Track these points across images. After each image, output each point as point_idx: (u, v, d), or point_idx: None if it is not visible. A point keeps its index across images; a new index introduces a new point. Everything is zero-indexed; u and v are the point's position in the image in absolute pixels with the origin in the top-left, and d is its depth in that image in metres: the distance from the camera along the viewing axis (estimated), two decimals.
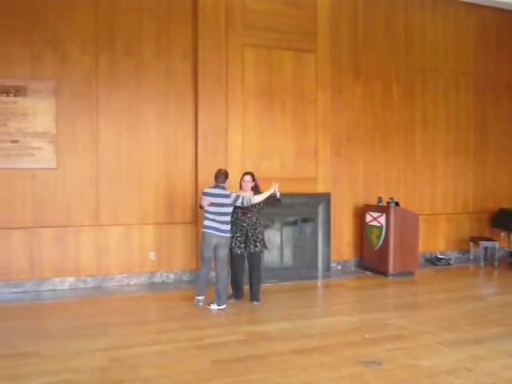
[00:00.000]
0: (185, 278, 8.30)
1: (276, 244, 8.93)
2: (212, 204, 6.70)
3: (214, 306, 6.65)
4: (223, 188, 6.83)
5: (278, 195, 7.00)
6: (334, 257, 9.24)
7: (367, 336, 5.64)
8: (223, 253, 6.74)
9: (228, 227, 6.75)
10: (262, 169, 8.47)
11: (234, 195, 6.73)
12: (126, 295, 7.41)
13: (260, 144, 8.60)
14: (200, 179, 8.19)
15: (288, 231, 9.04)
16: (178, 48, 8.31)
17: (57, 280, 7.69)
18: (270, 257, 8.84)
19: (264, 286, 7.97)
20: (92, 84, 7.85)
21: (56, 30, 7.67)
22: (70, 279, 7.75)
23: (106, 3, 7.91)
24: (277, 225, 8.97)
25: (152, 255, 8.09)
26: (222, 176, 6.90)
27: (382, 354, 5.08)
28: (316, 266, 9.03)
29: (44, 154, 7.59)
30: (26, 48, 7.53)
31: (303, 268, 8.94)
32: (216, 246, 6.69)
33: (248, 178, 7.14)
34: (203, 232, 6.73)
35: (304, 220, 9.05)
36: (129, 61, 8.03)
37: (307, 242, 9.05)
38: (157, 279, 8.17)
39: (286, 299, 7.45)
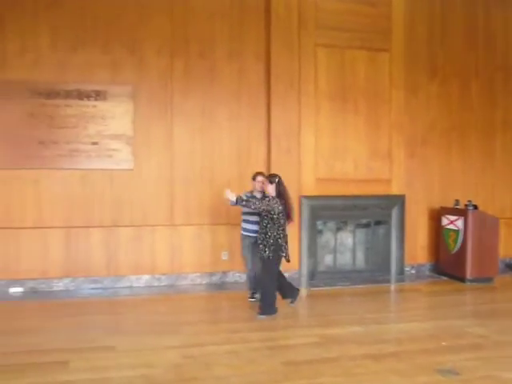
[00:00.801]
0: None
1: (348, 246, 8.82)
2: None
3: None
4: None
5: (230, 197, 6.54)
6: (407, 260, 9.02)
7: (444, 343, 5.45)
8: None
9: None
10: (335, 170, 8.44)
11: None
12: (199, 294, 7.54)
13: (333, 145, 8.53)
14: None
15: (361, 233, 8.90)
16: (250, 50, 8.37)
17: (133, 277, 7.94)
18: (342, 259, 8.74)
19: (335, 288, 7.93)
20: (167, 87, 8.05)
21: (133, 36, 7.93)
22: (146, 277, 7.98)
23: (180, 8, 8.09)
24: (349, 227, 8.85)
25: (224, 255, 8.19)
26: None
27: (460, 364, 4.89)
28: (389, 270, 8.83)
29: (122, 156, 7.87)
30: (106, 54, 7.83)
31: (376, 271, 8.78)
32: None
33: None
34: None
35: (377, 222, 8.88)
36: (203, 63, 8.18)
37: (380, 245, 8.88)
38: (229, 279, 8.26)
39: (358, 303, 7.34)
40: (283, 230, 6.50)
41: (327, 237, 8.75)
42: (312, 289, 8.02)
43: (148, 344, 5.38)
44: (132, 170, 7.92)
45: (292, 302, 6.88)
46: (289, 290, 6.89)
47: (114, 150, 7.84)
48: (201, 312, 6.65)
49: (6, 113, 7.53)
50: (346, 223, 8.84)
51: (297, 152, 8.34)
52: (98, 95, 7.78)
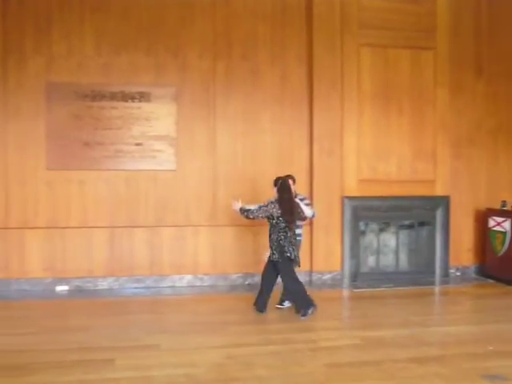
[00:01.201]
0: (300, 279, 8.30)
1: (391, 248, 8.70)
2: None
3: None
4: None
5: (237, 209, 6.60)
6: (452, 262, 8.83)
7: (490, 348, 5.31)
8: None
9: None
10: (377, 171, 8.38)
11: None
12: (241, 295, 7.55)
13: (376, 146, 8.45)
14: (315, 182, 8.20)
15: (404, 235, 8.77)
16: (292, 51, 8.36)
17: (176, 277, 8.03)
18: (385, 261, 8.63)
19: (378, 290, 7.84)
20: (210, 89, 8.11)
21: (177, 39, 8.03)
22: (188, 277, 8.06)
23: (223, 10, 8.14)
24: (392, 228, 8.73)
25: (266, 256, 8.17)
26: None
27: (508, 370, 4.74)
28: (433, 272, 8.68)
29: (165, 157, 7.97)
30: (150, 57, 7.96)
31: (419, 273, 8.62)
32: None
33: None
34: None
35: (421, 223, 8.73)
36: (245, 66, 8.21)
37: (424, 247, 8.73)
38: None
39: (401, 305, 7.22)
40: (284, 232, 6.43)
41: (370, 238, 8.66)
42: (354, 290, 7.94)
43: (190, 343, 5.42)
44: (175, 170, 8.01)
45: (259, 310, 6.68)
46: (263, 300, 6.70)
47: (157, 150, 7.95)
48: (242, 312, 6.65)
49: (53, 115, 7.72)
50: (388, 224, 8.73)
51: (339, 153, 8.29)
52: (142, 97, 7.91)
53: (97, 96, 7.85)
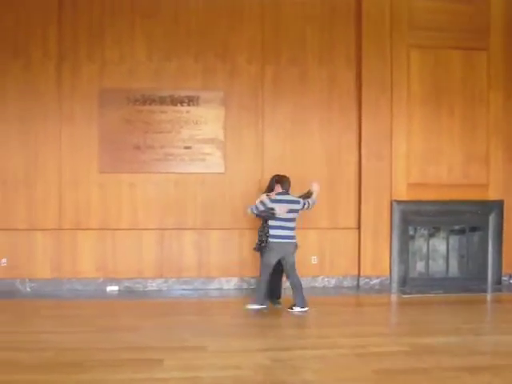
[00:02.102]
0: (346, 283, 8.26)
1: (441, 253, 8.52)
2: (290, 211, 6.70)
3: (297, 309, 6.70)
4: (292, 194, 6.89)
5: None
6: (506, 270, 8.57)
7: None
8: (294, 259, 6.85)
9: (294, 233, 6.85)
10: (428, 175, 8.25)
11: (302, 201, 6.80)
12: (288, 298, 7.54)
13: (426, 149, 8.31)
14: (363, 186, 8.13)
15: (454, 240, 8.58)
16: (341, 54, 8.32)
17: (223, 279, 8.10)
18: (434, 266, 8.47)
19: (428, 296, 7.71)
20: (258, 93, 8.16)
21: (225, 44, 8.12)
22: (235, 279, 8.11)
23: (271, 15, 8.18)
24: (443, 233, 8.54)
25: (314, 259, 8.17)
26: (287, 183, 6.89)
27: None
28: (485, 279, 8.45)
29: (213, 160, 8.07)
30: (199, 62, 8.08)
31: (470, 280, 8.42)
32: (287, 253, 6.77)
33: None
34: (277, 242, 6.71)
35: (472, 229, 8.52)
36: (293, 70, 8.22)
37: (476, 252, 8.51)
38: (318, 283, 8.23)
39: (451, 312, 7.06)
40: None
41: (419, 243, 8.51)
42: (403, 296, 7.82)
43: (237, 345, 5.45)
44: (223, 173, 8.09)
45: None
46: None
47: (206, 154, 8.05)
48: (290, 315, 6.64)
49: (105, 119, 7.93)
50: (438, 229, 8.55)
51: (388, 157, 8.20)
52: (191, 101, 8.03)
53: (147, 100, 8.01)
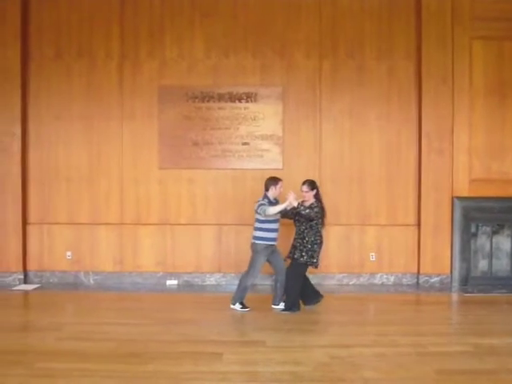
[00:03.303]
0: (405, 281, 8.12)
1: (505, 251, 8.22)
2: None
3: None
4: (263, 196, 6.67)
5: (295, 204, 6.36)
6: None
7: None
8: (251, 256, 6.69)
9: (255, 233, 6.63)
10: (491, 170, 8.01)
11: (258, 203, 6.54)
12: (346, 295, 7.50)
13: (489, 143, 8.04)
14: (423, 182, 7.97)
15: None
16: (400, 48, 8.16)
17: None
18: (498, 265, 8.18)
19: (490, 295, 7.49)
20: (315, 88, 8.12)
21: (283, 40, 8.12)
22: None
23: (329, 9, 8.13)
24: (507, 231, 8.25)
25: (372, 256, 8.07)
26: (265, 182, 6.74)
27: None
28: None
29: (271, 156, 8.09)
30: (257, 58, 8.12)
31: None
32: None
33: (304, 187, 6.65)
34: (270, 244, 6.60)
35: None
36: (351, 64, 8.14)
37: None
38: (376, 281, 8.13)
39: None
40: (320, 236, 6.58)
41: (482, 240, 8.24)
42: (465, 295, 7.63)
43: (295, 341, 5.45)
44: (281, 169, 8.08)
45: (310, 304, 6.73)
46: (312, 296, 6.77)
47: (264, 150, 8.08)
48: (348, 313, 6.59)
49: (165, 116, 8.09)
50: (502, 227, 8.26)
51: (449, 152, 7.99)
52: (249, 97, 8.08)
53: (205, 97, 8.12)
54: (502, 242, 8.27)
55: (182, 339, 5.47)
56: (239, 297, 6.65)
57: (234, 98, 8.09)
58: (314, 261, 6.53)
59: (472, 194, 8.02)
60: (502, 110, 8.06)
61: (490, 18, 7.99)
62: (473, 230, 8.16)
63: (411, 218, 8.14)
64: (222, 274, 8.14)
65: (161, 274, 8.15)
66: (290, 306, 6.53)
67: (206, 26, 8.10)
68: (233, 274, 8.09)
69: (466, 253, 8.07)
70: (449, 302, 7.53)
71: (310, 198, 6.61)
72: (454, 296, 7.68)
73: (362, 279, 8.12)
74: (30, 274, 8.18)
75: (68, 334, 5.62)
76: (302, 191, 6.65)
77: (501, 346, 5.38)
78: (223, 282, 8.12)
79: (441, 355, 5.07)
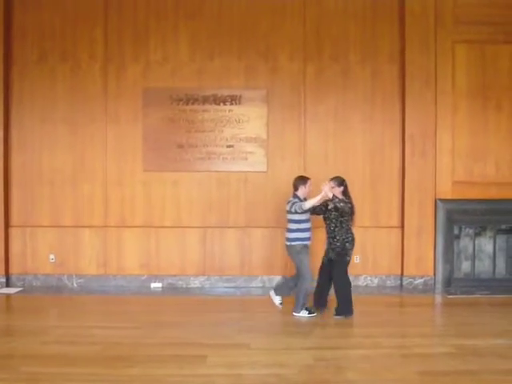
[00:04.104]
0: (389, 282, 8.17)
1: (488, 253, 8.31)
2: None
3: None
4: (293, 195, 6.62)
5: (330, 196, 6.33)
6: None
7: None
8: (293, 260, 6.64)
9: (291, 235, 6.52)
10: (474, 172, 8.07)
11: (290, 203, 6.48)
12: (330, 297, 7.50)
13: (472, 146, 8.12)
14: (407, 183, 8.03)
15: (502, 240, 8.35)
16: (384, 51, 8.22)
17: (265, 278, 8.13)
18: (480, 267, 8.27)
19: (473, 297, 7.55)
20: (300, 91, 8.15)
21: (267, 43, 8.14)
22: (277, 277, 8.12)
23: (313, 12, 8.15)
24: (489, 232, 8.34)
25: (356, 258, 8.09)
26: (294, 182, 6.69)
27: None
28: None
29: (256, 158, 8.10)
30: (241, 60, 8.13)
31: None
32: (288, 254, 6.66)
33: (331, 183, 6.57)
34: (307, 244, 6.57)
35: None
36: (335, 67, 8.18)
37: None
38: (360, 283, 8.16)
39: (498, 313, 6.87)
40: (351, 233, 6.56)
41: (464, 242, 8.32)
42: (448, 296, 7.68)
43: (280, 344, 5.47)
44: (266, 172, 8.11)
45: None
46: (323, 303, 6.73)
47: (248, 152, 8.09)
48: (331, 315, 6.61)
49: (150, 119, 8.07)
50: (485, 228, 8.35)
51: (433, 154, 8.06)
52: (234, 100, 8.08)
53: (190, 100, 8.11)
54: (485, 243, 8.36)
55: (167, 342, 5.46)
56: (302, 304, 6.51)
57: (219, 100, 8.09)
58: (348, 258, 6.52)
59: (455, 196, 8.09)
60: (485, 113, 8.14)
61: (473, 22, 8.07)
62: (456, 231, 8.24)
63: (395, 220, 8.20)
64: (206, 277, 8.13)
65: (145, 276, 8.11)
66: (344, 311, 6.46)
67: (190, 29, 8.10)
68: (217, 277, 8.10)
69: (449, 255, 8.14)
70: (432, 304, 7.58)
71: (337, 194, 6.51)
72: (438, 298, 7.74)
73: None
74: (13, 278, 8.10)
75: (52, 338, 5.57)
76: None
77: (484, 347, 5.43)
78: (207, 285, 8.11)
79: (425, 356, 5.11)
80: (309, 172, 8.05)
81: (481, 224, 8.25)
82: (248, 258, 8.11)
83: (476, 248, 8.27)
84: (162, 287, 8.07)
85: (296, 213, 6.43)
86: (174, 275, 8.12)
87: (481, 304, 7.26)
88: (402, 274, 8.13)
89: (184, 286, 8.12)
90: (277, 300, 6.74)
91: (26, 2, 8.07)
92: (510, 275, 8.29)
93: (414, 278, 8.12)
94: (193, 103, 8.11)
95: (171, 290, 8.01)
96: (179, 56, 8.12)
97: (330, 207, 6.52)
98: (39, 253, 8.11)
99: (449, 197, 8.09)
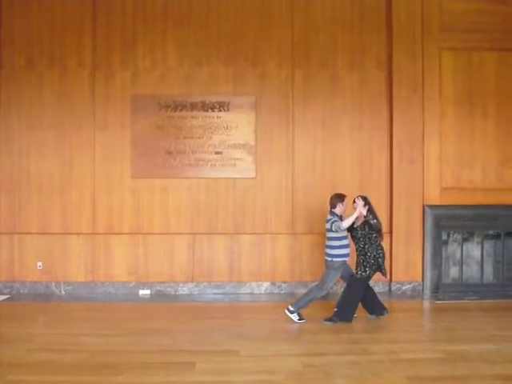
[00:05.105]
0: (377, 288, 8.05)
1: (475, 258, 8.37)
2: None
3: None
4: (330, 213, 6.59)
5: (365, 213, 6.43)
6: None
7: None
8: (325, 273, 6.58)
9: (333, 251, 6.46)
10: (461, 178, 8.15)
11: (330, 221, 6.47)
12: (320, 303, 7.50)
13: (459, 152, 8.19)
14: (395, 190, 8.07)
15: (489, 245, 8.41)
16: (371, 58, 8.27)
17: (254, 284, 8.11)
18: (468, 272, 8.32)
19: (461, 302, 7.59)
20: (288, 97, 8.18)
21: (255, 49, 8.18)
22: (266, 284, 8.12)
23: (301, 19, 8.20)
24: (477, 238, 8.39)
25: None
26: (331, 200, 6.68)
27: None
28: None
29: (244, 165, 8.11)
30: (229, 67, 8.15)
31: (507, 286, 8.23)
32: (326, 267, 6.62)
33: (360, 202, 6.54)
34: (346, 260, 6.56)
35: (508, 234, 8.33)
36: (323, 73, 8.22)
37: (511, 258, 8.33)
38: None
39: (486, 318, 6.89)
40: (382, 249, 6.58)
41: (452, 248, 8.38)
42: (436, 302, 7.72)
43: (269, 350, 5.45)
44: (254, 178, 8.12)
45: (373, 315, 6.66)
46: (377, 307, 6.73)
47: (237, 159, 8.09)
48: (319, 321, 6.59)
49: (138, 125, 8.06)
50: (472, 234, 8.40)
51: (420, 160, 8.11)
52: (222, 106, 8.09)
53: (178, 106, 8.11)
54: (473, 249, 8.41)
55: (155, 349, 5.42)
56: (300, 306, 6.51)
57: (207, 106, 8.09)
58: (383, 271, 6.58)
59: (443, 202, 8.14)
60: (471, 120, 8.21)
61: (459, 30, 8.15)
62: (444, 237, 8.28)
63: (383, 226, 8.20)
64: (194, 284, 8.10)
65: (133, 283, 8.07)
66: (345, 316, 6.44)
67: (178, 36, 8.11)
68: (206, 283, 8.07)
69: (438, 260, 8.18)
70: (421, 309, 7.60)
71: (362, 215, 6.52)
72: (426, 303, 7.76)
73: (335, 287, 8.13)
74: (0, 285, 8.03)
75: (39, 346, 5.52)
76: (354, 208, 6.52)
77: (472, 352, 5.44)
78: (196, 292, 8.08)
79: (413, 362, 5.12)
80: (297, 178, 8.11)
81: (468, 229, 8.30)
82: (237, 264, 8.10)
83: (464, 253, 8.32)
84: (151, 294, 8.03)
85: (335, 231, 6.43)
86: (163, 282, 8.08)
87: (469, 309, 7.28)
88: (390, 280, 8.14)
89: (172, 292, 8.08)
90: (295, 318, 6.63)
91: (14, 7, 8.04)
92: (497, 280, 8.35)
93: (402, 283, 8.14)
94: (181, 110, 8.11)
95: (160, 296, 7.97)
96: (167, 63, 8.13)
97: (355, 225, 6.53)
98: (27, 260, 8.04)
99: (437, 203, 8.13)
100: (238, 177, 8.11)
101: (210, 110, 8.12)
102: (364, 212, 6.42)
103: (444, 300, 7.77)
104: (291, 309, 6.48)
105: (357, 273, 6.51)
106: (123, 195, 8.12)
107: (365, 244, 6.50)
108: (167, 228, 8.14)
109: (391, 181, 8.15)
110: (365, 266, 6.45)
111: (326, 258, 6.55)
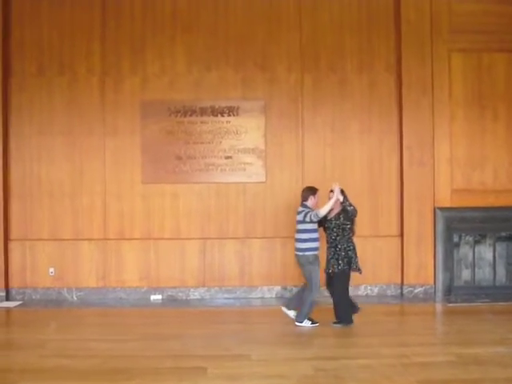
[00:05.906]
0: (389, 292, 8.16)
1: (488, 261, 8.30)
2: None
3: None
4: (302, 205, 6.55)
5: (341, 198, 6.35)
6: None
7: None
8: (304, 270, 6.52)
9: (303, 245, 6.42)
10: (472, 180, 8.11)
11: (303, 213, 6.43)
12: (329, 306, 7.49)
13: (470, 154, 8.16)
14: (405, 193, 8.03)
15: (502, 247, 8.35)
16: (380, 60, 8.27)
17: (265, 288, 8.11)
18: (480, 274, 8.26)
19: (474, 305, 7.54)
20: (297, 101, 8.18)
21: (264, 54, 8.19)
22: (277, 288, 8.11)
23: (309, 23, 8.21)
24: (489, 240, 8.33)
25: None
26: (302, 192, 6.66)
27: None
28: None
29: (254, 169, 8.12)
30: (238, 72, 8.17)
31: None
32: (300, 265, 6.56)
33: (331, 194, 6.52)
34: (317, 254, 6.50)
35: None
36: (332, 77, 8.22)
37: None
38: (360, 292, 8.14)
39: (499, 321, 6.85)
40: (352, 242, 6.51)
41: (464, 250, 8.32)
42: (448, 305, 7.67)
43: (280, 354, 5.45)
44: (264, 182, 8.13)
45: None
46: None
47: (247, 163, 8.11)
48: (332, 323, 6.58)
49: (148, 131, 8.09)
50: (484, 236, 8.34)
51: (430, 163, 8.08)
52: (231, 111, 8.11)
53: (188, 112, 8.14)
54: (485, 251, 8.35)
55: (167, 354, 5.43)
56: (306, 313, 6.48)
57: (216, 111, 8.12)
58: (354, 266, 6.48)
59: (454, 205, 8.10)
60: (482, 121, 8.18)
61: (468, 31, 8.12)
62: (455, 240, 8.24)
63: (394, 229, 8.20)
64: (206, 288, 8.11)
65: (145, 288, 8.09)
66: (343, 319, 6.45)
67: (187, 41, 8.14)
68: (217, 288, 8.08)
69: (449, 263, 8.14)
70: (433, 312, 7.58)
71: (337, 206, 6.50)
72: (438, 306, 7.73)
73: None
74: (12, 291, 8.08)
75: (51, 351, 5.55)
76: (330, 198, 6.48)
77: (485, 355, 5.40)
78: (207, 296, 8.09)
79: (425, 365, 5.09)
80: (307, 182, 8.07)
81: (480, 232, 8.25)
82: (247, 268, 8.10)
83: (476, 256, 8.26)
84: (162, 299, 8.05)
85: (311, 222, 6.40)
86: (174, 287, 8.10)
87: (481, 312, 7.23)
88: (402, 283, 8.12)
89: (184, 297, 8.10)
90: (291, 314, 6.63)
91: (24, 15, 8.11)
92: (510, 283, 8.28)
93: (414, 286, 8.10)
94: (191, 115, 8.14)
95: (171, 301, 7.99)
96: (176, 68, 8.16)
97: (329, 217, 6.50)
98: (38, 266, 8.09)
99: (448, 205, 8.10)
100: (248, 181, 8.12)
101: (219, 115, 8.14)
102: (341, 198, 6.35)
103: (456, 303, 7.72)
104: (298, 322, 6.48)
105: (329, 269, 6.46)
106: (134, 201, 8.15)
107: (337, 235, 6.44)
108: (178, 233, 8.16)
109: (402, 184, 8.12)
110: (337, 259, 6.40)
111: (297, 253, 6.50)
